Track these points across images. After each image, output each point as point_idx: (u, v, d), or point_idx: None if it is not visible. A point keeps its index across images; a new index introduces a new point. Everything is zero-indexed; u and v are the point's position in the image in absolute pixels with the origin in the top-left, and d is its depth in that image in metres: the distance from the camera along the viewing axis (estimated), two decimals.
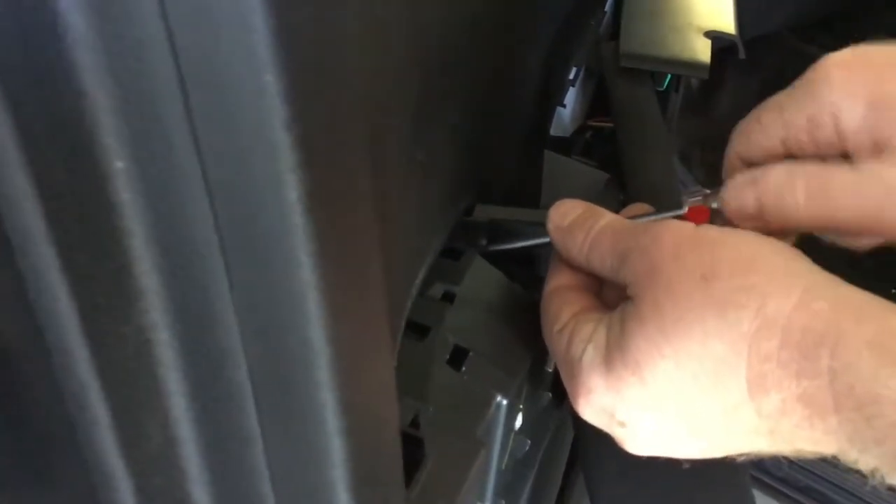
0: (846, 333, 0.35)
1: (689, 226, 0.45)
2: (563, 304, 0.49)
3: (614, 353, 0.43)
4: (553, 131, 0.84)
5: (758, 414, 0.38)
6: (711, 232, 0.43)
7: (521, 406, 0.55)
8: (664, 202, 0.67)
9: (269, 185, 0.24)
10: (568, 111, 0.86)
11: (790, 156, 0.45)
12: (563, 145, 0.82)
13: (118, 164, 0.23)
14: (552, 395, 0.64)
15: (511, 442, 0.55)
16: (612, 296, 0.49)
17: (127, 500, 0.28)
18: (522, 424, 0.57)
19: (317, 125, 0.24)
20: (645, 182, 0.68)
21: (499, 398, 0.50)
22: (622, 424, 0.45)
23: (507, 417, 0.52)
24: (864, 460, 0.36)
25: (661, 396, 0.42)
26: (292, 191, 0.24)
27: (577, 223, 0.50)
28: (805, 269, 0.40)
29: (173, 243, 0.25)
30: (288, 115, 0.23)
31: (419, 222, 0.50)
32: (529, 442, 0.59)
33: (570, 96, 0.86)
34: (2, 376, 0.25)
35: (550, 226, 0.51)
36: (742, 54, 0.75)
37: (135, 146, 0.24)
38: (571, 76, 0.83)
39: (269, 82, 0.23)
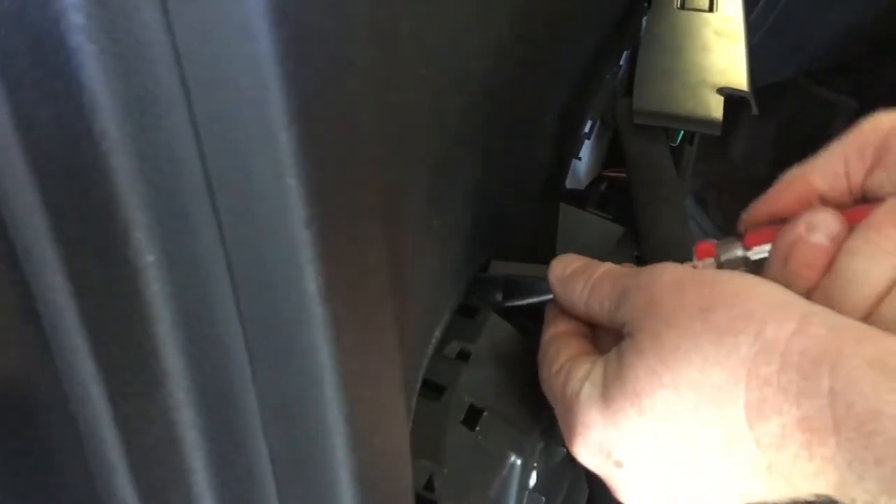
0: (845, 353, 0.36)
1: (687, 266, 0.46)
2: (560, 348, 0.50)
3: (612, 387, 0.43)
4: (568, 183, 0.86)
5: (757, 444, 0.38)
6: (710, 271, 0.45)
7: (535, 464, 0.56)
8: (678, 257, 0.69)
9: (289, 277, 0.25)
10: (583, 163, 0.87)
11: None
12: (579, 198, 0.83)
13: (149, 258, 0.25)
14: (567, 450, 0.65)
15: (525, 500, 0.56)
16: (607, 341, 0.49)
17: None
18: (536, 482, 0.58)
19: (335, 220, 0.26)
20: (659, 238, 0.69)
21: (513, 458, 0.51)
22: (619, 464, 0.45)
23: (522, 476, 0.52)
24: (862, 489, 0.35)
25: (660, 428, 0.42)
26: (311, 283, 0.25)
27: (577, 271, 0.51)
28: (801, 300, 0.40)
29: (198, 329, 0.27)
30: (308, 215, 0.24)
31: (435, 283, 0.51)
32: (544, 500, 0.59)
33: (586, 148, 0.87)
34: (36, 459, 0.27)
35: (551, 277, 0.53)
36: (755, 110, 0.76)
37: (164, 241, 0.25)
38: (587, 129, 0.84)
39: (291, 185, 0.24)
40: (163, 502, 0.28)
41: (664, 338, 0.41)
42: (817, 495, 0.39)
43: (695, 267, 0.49)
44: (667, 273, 0.44)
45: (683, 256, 0.72)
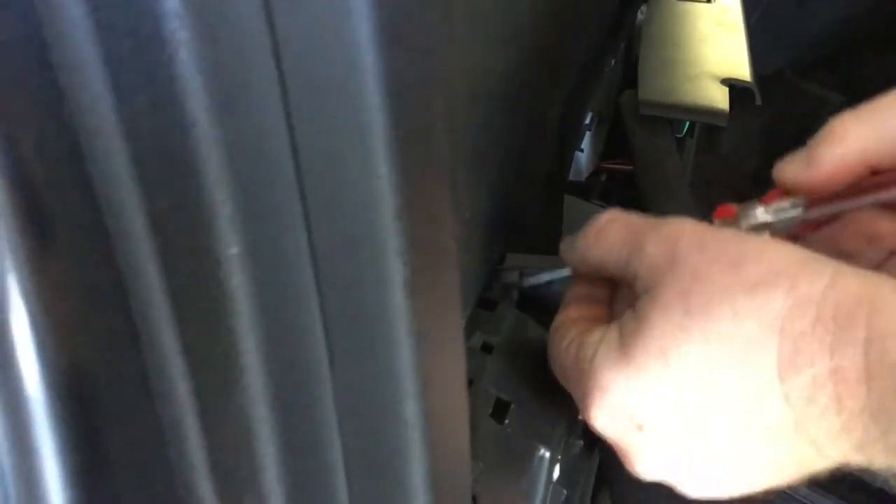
0: (882, 303, 0.35)
1: (706, 224, 0.44)
2: (569, 328, 0.48)
3: (633, 346, 0.41)
4: (569, 176, 0.86)
5: (786, 399, 0.38)
6: (731, 230, 0.44)
7: (559, 456, 0.56)
8: None
9: (376, 269, 0.25)
10: (584, 155, 0.87)
11: None
12: (581, 189, 0.83)
13: (232, 251, 0.24)
14: (584, 442, 0.65)
15: (550, 493, 0.56)
16: (618, 311, 0.48)
17: None
18: (559, 475, 0.58)
19: (420, 211, 0.25)
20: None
21: (542, 451, 0.51)
22: (640, 427, 0.43)
23: (549, 469, 0.52)
24: (884, 445, 0.35)
25: (687, 384, 0.40)
26: (397, 275, 0.25)
27: (587, 225, 0.50)
28: (829, 259, 0.39)
29: (278, 324, 0.26)
30: (398, 205, 0.24)
31: (462, 277, 0.50)
32: (566, 492, 0.59)
33: (586, 141, 0.87)
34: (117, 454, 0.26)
35: (562, 244, 0.52)
36: (758, 100, 0.76)
37: (249, 233, 0.24)
38: (587, 121, 0.84)
39: (383, 174, 0.23)
40: (237, 498, 0.27)
41: (691, 292, 0.40)
42: (837, 463, 0.39)
43: None
44: (688, 229, 0.42)
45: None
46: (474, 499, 0.43)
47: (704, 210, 1.29)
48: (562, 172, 0.79)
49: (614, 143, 0.92)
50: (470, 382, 0.52)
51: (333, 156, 0.23)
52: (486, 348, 0.55)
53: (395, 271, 0.25)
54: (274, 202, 0.24)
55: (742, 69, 0.78)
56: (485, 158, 0.49)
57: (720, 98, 0.74)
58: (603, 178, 0.88)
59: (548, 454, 0.51)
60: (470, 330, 0.55)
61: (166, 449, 0.25)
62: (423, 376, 0.27)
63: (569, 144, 0.79)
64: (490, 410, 0.51)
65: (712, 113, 0.73)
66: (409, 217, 0.24)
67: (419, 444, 0.28)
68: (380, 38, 0.22)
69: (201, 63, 0.22)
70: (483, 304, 0.58)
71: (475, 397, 0.51)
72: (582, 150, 0.82)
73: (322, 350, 0.26)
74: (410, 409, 0.27)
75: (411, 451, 0.28)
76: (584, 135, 0.82)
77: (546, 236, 0.77)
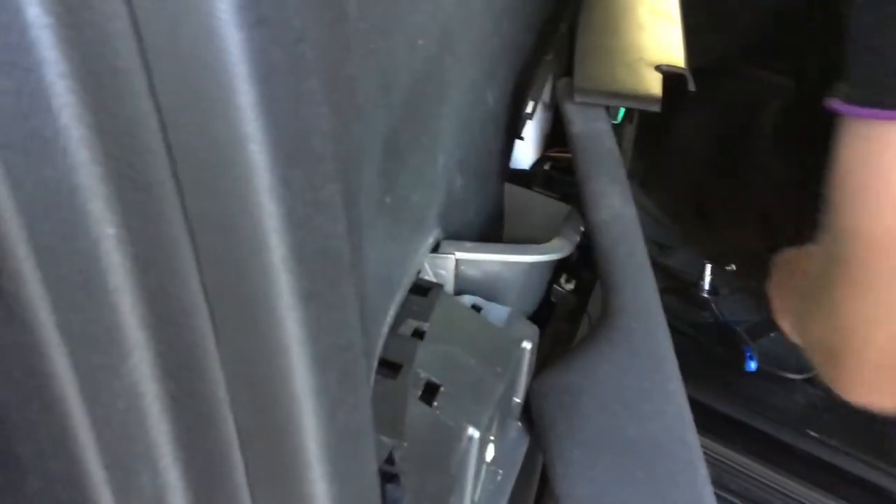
0: None
1: None
2: None
3: None
4: (513, 164, 0.86)
5: None
6: None
7: (492, 438, 0.57)
8: (621, 232, 0.70)
9: (254, 245, 0.25)
10: (527, 144, 0.88)
11: None
12: (524, 177, 0.84)
13: (109, 231, 0.25)
14: (521, 424, 0.66)
15: (483, 473, 0.56)
16: None
17: None
18: (494, 455, 0.59)
19: (298, 188, 0.26)
20: (603, 214, 0.70)
21: (470, 431, 0.51)
22: None
23: (479, 450, 0.53)
24: None
25: None
26: (276, 250, 0.26)
27: None
28: None
29: (162, 302, 0.26)
30: (271, 182, 0.25)
31: (387, 261, 0.51)
32: (501, 472, 0.60)
33: (529, 129, 0.88)
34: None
35: None
36: (692, 86, 0.77)
37: (126, 214, 0.25)
38: (529, 110, 0.85)
39: (254, 151, 0.24)
40: (130, 475, 0.28)
41: None
42: None
43: None
44: None
45: (627, 231, 0.74)
46: (397, 477, 0.44)
47: (659, 200, 1.30)
48: (503, 161, 0.80)
49: (560, 132, 0.93)
50: (399, 367, 0.52)
51: (203, 134, 0.24)
52: (418, 334, 0.56)
53: (274, 248, 0.25)
54: (148, 182, 0.25)
55: (676, 56, 0.79)
56: (406, 145, 0.50)
57: (654, 85, 0.75)
58: (547, 166, 0.89)
59: (477, 434, 0.52)
60: (402, 316, 0.56)
61: (55, 428, 0.26)
62: (311, 349, 0.27)
63: (510, 133, 0.80)
64: (420, 393, 0.52)
65: (646, 99, 0.74)
66: (284, 193, 0.25)
67: (312, 416, 0.28)
68: (241, 19, 0.23)
69: (65, 48, 0.22)
70: (416, 291, 0.59)
71: (405, 381, 0.52)
72: (523, 139, 0.83)
73: (208, 328, 0.27)
74: (299, 384, 0.28)
75: (303, 425, 0.28)
76: (525, 123, 0.83)
77: (487, 224, 0.78)
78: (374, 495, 0.35)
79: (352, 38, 0.34)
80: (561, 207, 0.76)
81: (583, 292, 0.76)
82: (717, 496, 1.29)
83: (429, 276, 0.63)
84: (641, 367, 0.65)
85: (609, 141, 0.75)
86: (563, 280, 0.75)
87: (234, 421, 0.29)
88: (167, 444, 0.29)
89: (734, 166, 1.25)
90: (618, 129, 0.84)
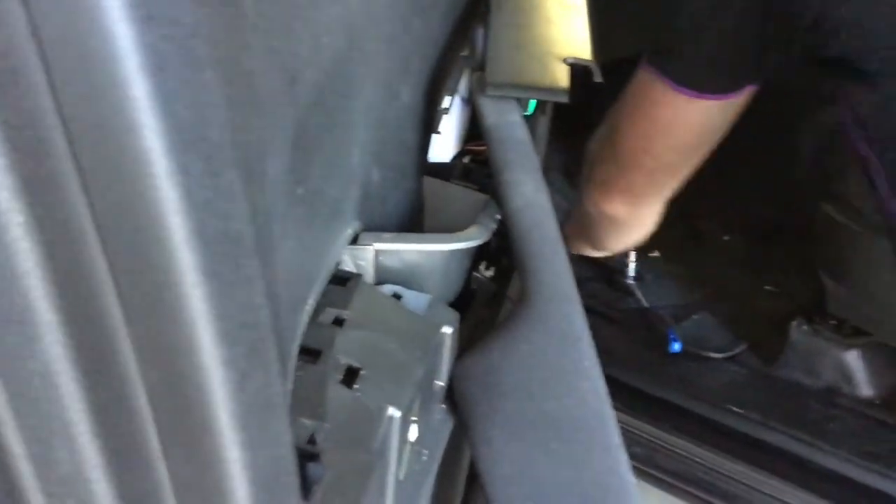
0: None
1: None
2: None
3: None
4: (434, 158, 0.89)
5: None
6: None
7: (414, 418, 0.59)
8: (536, 220, 0.73)
9: (156, 227, 0.27)
10: (447, 137, 0.90)
11: None
12: (443, 170, 0.86)
13: (17, 219, 0.26)
14: (446, 406, 0.68)
15: (407, 453, 0.59)
16: None
17: None
18: (418, 436, 0.61)
19: (197, 171, 0.28)
20: (517, 202, 0.73)
21: (391, 411, 0.54)
22: None
23: (402, 429, 0.55)
24: None
25: None
26: (178, 231, 0.27)
27: None
28: None
29: (71, 284, 0.28)
30: (169, 167, 0.26)
31: (304, 252, 0.53)
32: (426, 452, 0.63)
33: (447, 123, 0.91)
34: None
35: None
36: (598, 78, 0.81)
37: (32, 203, 0.26)
38: (446, 105, 0.87)
39: (150, 138, 0.26)
40: (49, 450, 0.29)
41: None
42: None
43: None
44: None
45: (541, 217, 0.77)
46: (317, 456, 0.46)
47: (573, 188, 1.32)
48: (421, 154, 0.82)
49: (478, 126, 0.95)
50: (319, 352, 0.54)
51: (103, 126, 0.26)
52: (338, 321, 0.58)
53: (176, 228, 0.27)
54: (52, 172, 0.26)
55: (583, 48, 0.82)
56: (316, 139, 0.52)
57: (562, 77, 0.78)
58: (466, 159, 0.92)
59: (398, 414, 0.54)
60: (322, 306, 0.58)
61: None
62: (217, 324, 0.29)
63: (427, 127, 0.82)
64: (341, 378, 0.54)
65: (555, 91, 0.77)
66: (182, 177, 0.27)
67: (220, 387, 0.30)
68: (131, 15, 0.25)
69: None
70: (336, 281, 0.61)
71: (325, 366, 0.54)
72: (440, 133, 0.85)
73: (116, 306, 0.29)
74: (207, 357, 0.30)
75: (213, 394, 0.30)
76: (441, 117, 0.85)
77: (407, 216, 0.80)
78: (289, 464, 0.37)
79: (250, 35, 0.36)
80: (479, 197, 0.79)
81: (502, 278, 0.79)
82: (648, 475, 1.33)
83: (349, 268, 0.65)
84: (558, 346, 0.68)
85: (521, 132, 0.78)
86: (482, 267, 0.77)
87: (147, 395, 0.30)
88: (83, 421, 0.30)
89: None
90: (531, 121, 0.87)
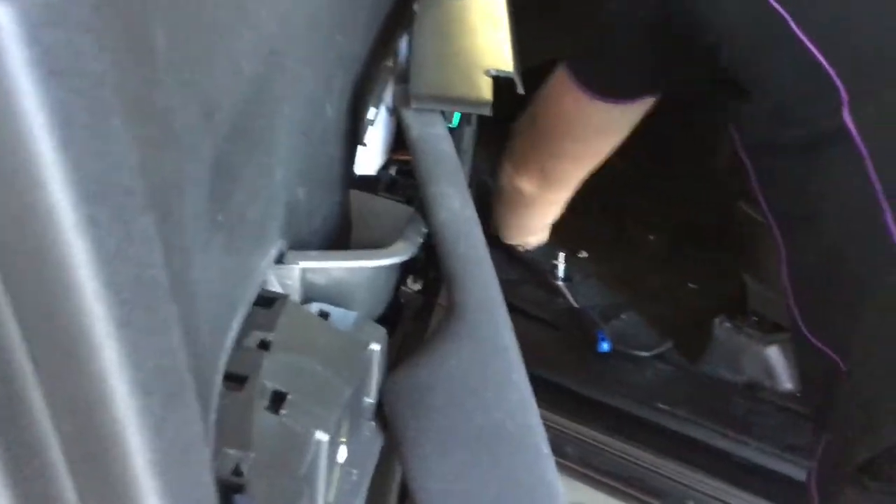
0: None
1: None
2: None
3: None
4: (360, 170, 0.89)
5: None
6: None
7: (342, 440, 0.59)
8: (461, 230, 0.74)
9: (65, 281, 0.27)
10: (373, 149, 0.90)
11: None
12: (370, 183, 0.86)
13: None
14: (376, 423, 0.68)
15: (337, 475, 0.59)
16: None
17: None
18: (348, 456, 0.61)
19: (106, 221, 0.27)
20: (443, 215, 0.74)
21: (318, 435, 0.53)
22: None
23: (330, 452, 0.55)
24: None
25: None
26: (88, 283, 0.27)
27: None
28: None
29: None
30: (76, 219, 0.26)
31: (225, 276, 0.52)
32: (356, 472, 0.63)
33: (374, 134, 0.90)
34: None
35: None
36: (520, 90, 0.82)
37: None
38: (371, 116, 0.87)
39: (55, 191, 0.25)
40: None
41: None
42: None
43: None
44: None
45: (467, 230, 0.77)
46: (242, 487, 0.46)
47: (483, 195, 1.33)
48: (346, 167, 0.82)
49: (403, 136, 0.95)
50: (245, 378, 0.54)
51: (8, 184, 0.25)
52: (263, 345, 0.57)
53: (84, 278, 0.27)
54: None
55: (505, 60, 0.83)
56: (237, 164, 0.51)
57: (485, 89, 0.79)
58: (393, 170, 0.92)
59: (325, 437, 0.54)
60: (247, 329, 0.58)
61: None
62: (131, 374, 0.29)
63: (351, 140, 0.82)
64: (266, 403, 0.54)
65: (476, 103, 0.77)
66: (90, 228, 0.26)
67: (136, 436, 0.30)
68: (34, 71, 0.24)
69: None
70: (261, 303, 0.61)
71: (251, 393, 0.53)
72: (365, 145, 0.85)
73: (26, 360, 0.28)
74: (122, 406, 0.29)
75: (128, 444, 0.30)
76: (366, 129, 0.85)
77: (334, 231, 0.80)
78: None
79: (163, 72, 0.36)
80: (405, 210, 0.79)
81: (430, 291, 0.79)
82: (580, 473, 1.35)
83: (275, 288, 0.65)
84: (486, 360, 0.69)
85: (446, 144, 0.78)
86: (409, 281, 0.77)
87: (61, 446, 0.30)
88: None
89: None
90: (456, 132, 0.88)
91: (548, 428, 1.18)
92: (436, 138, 0.78)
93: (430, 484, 0.65)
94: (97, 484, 0.31)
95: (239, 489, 0.46)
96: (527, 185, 1.16)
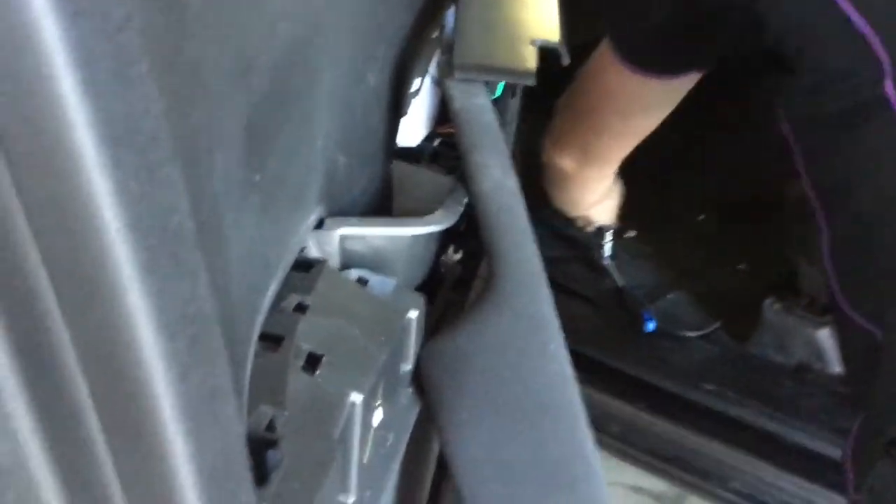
0: None
1: None
2: None
3: None
4: (403, 141, 0.89)
5: None
6: None
7: (378, 403, 0.59)
8: (505, 202, 0.73)
9: (90, 222, 0.27)
10: (416, 120, 0.90)
11: None
12: (412, 154, 0.86)
13: None
14: (413, 390, 0.68)
15: (371, 437, 0.59)
16: None
17: None
18: (384, 420, 0.61)
19: (130, 163, 0.28)
20: (484, 185, 0.73)
21: (353, 396, 0.54)
22: None
23: (364, 414, 0.55)
24: None
25: None
26: (112, 222, 0.27)
27: None
28: None
29: (5, 280, 0.28)
30: (103, 160, 0.26)
31: (263, 239, 0.53)
32: (392, 436, 0.63)
33: (419, 106, 0.90)
34: None
35: None
36: (566, 61, 0.81)
37: None
38: (414, 88, 0.87)
39: (81, 132, 0.26)
40: None
41: None
42: None
43: None
44: None
45: (509, 200, 0.76)
46: (275, 443, 0.46)
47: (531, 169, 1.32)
48: (389, 139, 0.82)
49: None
50: (281, 339, 0.54)
51: (33, 123, 0.26)
52: (300, 308, 0.58)
53: (109, 219, 0.27)
54: None
55: (552, 30, 0.82)
56: (275, 127, 0.52)
57: (530, 59, 0.78)
58: (436, 142, 0.92)
59: (360, 399, 0.54)
60: (285, 292, 0.58)
61: None
62: (157, 318, 0.29)
63: (394, 111, 0.82)
64: (302, 364, 0.54)
65: (521, 73, 0.77)
66: (115, 169, 0.27)
67: (162, 380, 0.30)
68: (58, 11, 0.25)
69: None
70: (300, 267, 0.61)
71: (286, 353, 0.54)
72: (407, 115, 0.85)
73: (53, 303, 0.29)
74: (147, 350, 0.30)
75: (154, 387, 0.30)
76: (410, 101, 0.85)
77: (375, 201, 0.80)
78: (239, 454, 0.37)
79: (195, 24, 0.36)
80: (447, 181, 0.79)
81: (470, 262, 0.79)
82: (624, 453, 1.34)
83: (314, 254, 0.65)
84: (525, 330, 0.69)
85: (489, 115, 0.78)
86: (450, 251, 0.77)
87: (88, 388, 0.30)
88: (24, 416, 0.30)
89: None
90: (500, 103, 0.87)
91: (591, 406, 1.18)
92: (479, 109, 0.78)
93: (467, 451, 0.65)
94: (123, 426, 0.31)
95: (272, 445, 0.47)
96: (567, 161, 1.15)
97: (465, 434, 0.66)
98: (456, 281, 0.77)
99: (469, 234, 0.79)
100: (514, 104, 0.91)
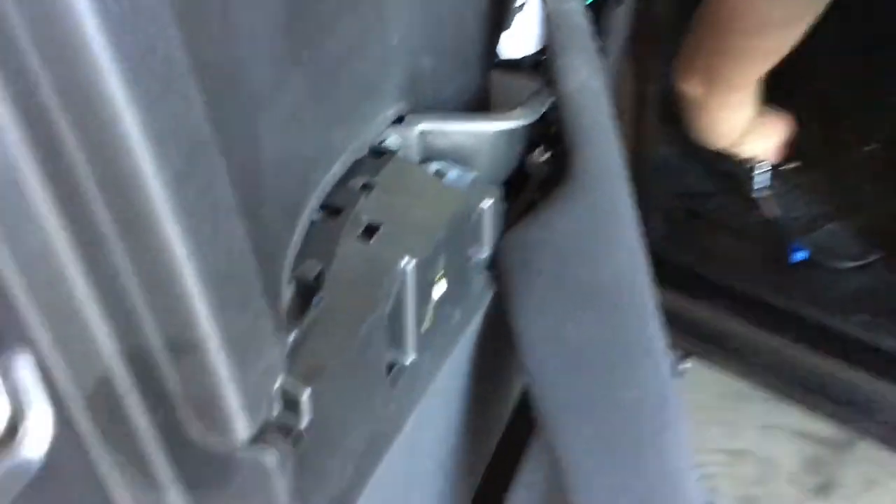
0: None
1: None
2: None
3: None
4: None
5: None
6: None
7: (439, 276, 0.63)
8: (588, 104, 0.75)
9: (78, 40, 0.33)
10: (521, 35, 0.92)
11: None
12: (514, 65, 0.89)
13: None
14: (487, 279, 0.72)
15: (432, 308, 0.63)
16: None
17: None
18: (449, 298, 0.65)
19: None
20: (571, 85, 0.75)
21: (406, 259, 0.58)
22: None
23: (418, 279, 0.59)
24: None
25: None
26: (96, 41, 0.34)
27: None
28: None
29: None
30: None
31: (318, 118, 0.58)
32: (459, 313, 0.67)
33: (523, 21, 0.93)
34: None
35: None
36: None
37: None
38: (520, 2, 0.90)
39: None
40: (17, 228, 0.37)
41: None
42: None
43: None
44: None
45: (593, 100, 0.78)
46: (314, 290, 0.52)
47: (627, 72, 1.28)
48: (487, 48, 0.85)
49: None
50: (341, 210, 0.60)
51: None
52: (366, 187, 0.63)
53: (96, 39, 0.33)
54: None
55: None
56: (326, 8, 0.56)
57: None
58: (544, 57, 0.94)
59: (413, 262, 0.58)
60: (352, 174, 0.63)
61: None
62: (148, 126, 0.35)
63: (494, 23, 0.85)
64: (359, 233, 0.59)
65: None
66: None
67: (158, 184, 0.36)
68: None
69: None
70: (374, 153, 0.66)
71: (343, 221, 0.59)
72: (509, 29, 0.88)
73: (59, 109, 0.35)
74: (140, 151, 0.36)
75: (151, 191, 0.37)
76: (514, 15, 0.87)
77: (468, 106, 0.84)
78: (253, 283, 0.42)
79: None
80: (538, 85, 0.81)
81: (558, 163, 0.81)
82: (772, 386, 1.31)
83: (395, 148, 0.70)
84: (597, 220, 0.71)
85: (579, 18, 0.80)
86: (537, 152, 0.80)
87: (96, 185, 0.37)
88: (47, 207, 0.37)
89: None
90: (604, 10, 0.88)
91: (734, 338, 1.17)
92: (569, 12, 0.79)
93: (531, 330, 0.68)
94: (130, 223, 0.37)
95: (314, 291, 0.52)
96: (692, 87, 1.12)
97: (531, 316, 0.69)
98: (542, 181, 0.80)
99: (558, 135, 0.81)
100: (622, 11, 0.91)
